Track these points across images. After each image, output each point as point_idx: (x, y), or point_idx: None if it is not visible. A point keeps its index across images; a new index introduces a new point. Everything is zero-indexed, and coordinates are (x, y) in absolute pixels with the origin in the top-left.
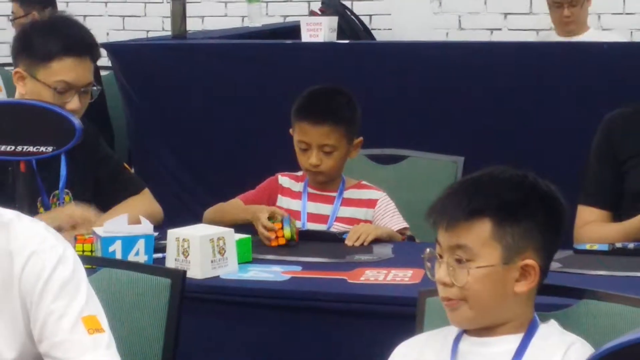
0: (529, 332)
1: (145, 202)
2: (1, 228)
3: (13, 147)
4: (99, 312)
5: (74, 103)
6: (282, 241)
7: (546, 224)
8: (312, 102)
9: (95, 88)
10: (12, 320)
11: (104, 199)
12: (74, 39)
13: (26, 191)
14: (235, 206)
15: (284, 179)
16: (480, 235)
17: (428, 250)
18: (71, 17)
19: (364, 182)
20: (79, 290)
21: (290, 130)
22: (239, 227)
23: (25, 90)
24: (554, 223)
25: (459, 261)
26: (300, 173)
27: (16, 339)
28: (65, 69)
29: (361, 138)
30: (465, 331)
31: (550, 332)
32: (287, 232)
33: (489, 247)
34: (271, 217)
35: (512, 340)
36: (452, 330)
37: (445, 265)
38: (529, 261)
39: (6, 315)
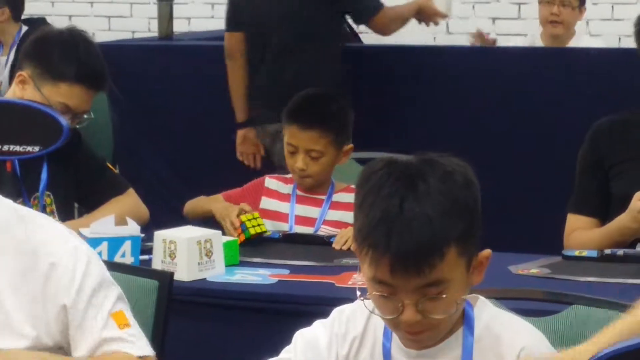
0: (467, 331)
1: (130, 202)
2: (19, 221)
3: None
4: (125, 306)
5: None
6: (242, 238)
7: (479, 210)
8: (303, 106)
9: (86, 116)
10: (31, 304)
11: (88, 199)
12: (91, 70)
13: (11, 191)
14: (211, 198)
15: (271, 181)
16: (450, 261)
17: (368, 296)
18: (95, 45)
19: (353, 186)
20: (108, 288)
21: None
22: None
23: (23, 95)
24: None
25: (432, 296)
26: (289, 175)
27: (36, 320)
28: (72, 95)
29: (351, 145)
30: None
31: (492, 325)
32: (246, 234)
33: (458, 266)
34: (239, 214)
35: (452, 346)
36: (378, 333)
37: (409, 307)
38: (486, 252)
39: (26, 298)
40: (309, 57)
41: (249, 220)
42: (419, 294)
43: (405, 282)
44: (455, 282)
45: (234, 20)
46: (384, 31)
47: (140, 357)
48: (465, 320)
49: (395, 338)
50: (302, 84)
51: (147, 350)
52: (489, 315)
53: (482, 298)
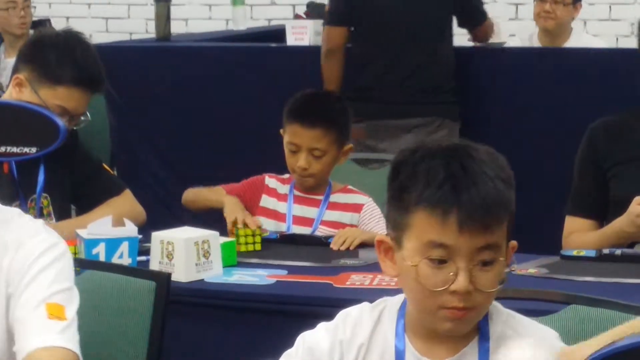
0: (482, 338)
1: (127, 203)
2: (1, 224)
3: None
4: (69, 305)
5: None
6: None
7: None
8: (306, 104)
9: (83, 118)
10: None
11: (85, 200)
12: (88, 73)
13: (8, 194)
14: (215, 190)
15: (270, 180)
16: (503, 229)
17: (413, 265)
18: (91, 47)
19: (350, 187)
20: (56, 278)
21: (281, 131)
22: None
23: (20, 98)
24: None
25: (486, 263)
26: (286, 176)
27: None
28: (69, 98)
29: (351, 145)
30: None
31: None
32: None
33: (504, 242)
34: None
35: (468, 355)
36: (388, 336)
37: (464, 272)
38: (513, 242)
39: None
40: (422, 53)
41: (245, 236)
42: (475, 258)
43: (468, 241)
44: (503, 255)
45: (341, 14)
46: (482, 39)
47: (47, 347)
48: (481, 327)
49: (408, 343)
50: (416, 80)
51: (66, 344)
52: (502, 320)
53: (493, 302)
